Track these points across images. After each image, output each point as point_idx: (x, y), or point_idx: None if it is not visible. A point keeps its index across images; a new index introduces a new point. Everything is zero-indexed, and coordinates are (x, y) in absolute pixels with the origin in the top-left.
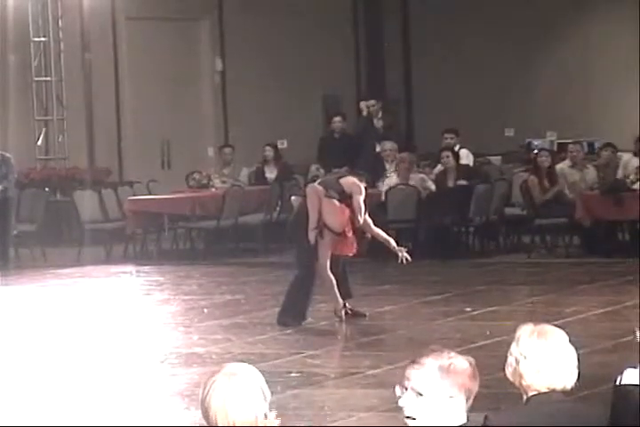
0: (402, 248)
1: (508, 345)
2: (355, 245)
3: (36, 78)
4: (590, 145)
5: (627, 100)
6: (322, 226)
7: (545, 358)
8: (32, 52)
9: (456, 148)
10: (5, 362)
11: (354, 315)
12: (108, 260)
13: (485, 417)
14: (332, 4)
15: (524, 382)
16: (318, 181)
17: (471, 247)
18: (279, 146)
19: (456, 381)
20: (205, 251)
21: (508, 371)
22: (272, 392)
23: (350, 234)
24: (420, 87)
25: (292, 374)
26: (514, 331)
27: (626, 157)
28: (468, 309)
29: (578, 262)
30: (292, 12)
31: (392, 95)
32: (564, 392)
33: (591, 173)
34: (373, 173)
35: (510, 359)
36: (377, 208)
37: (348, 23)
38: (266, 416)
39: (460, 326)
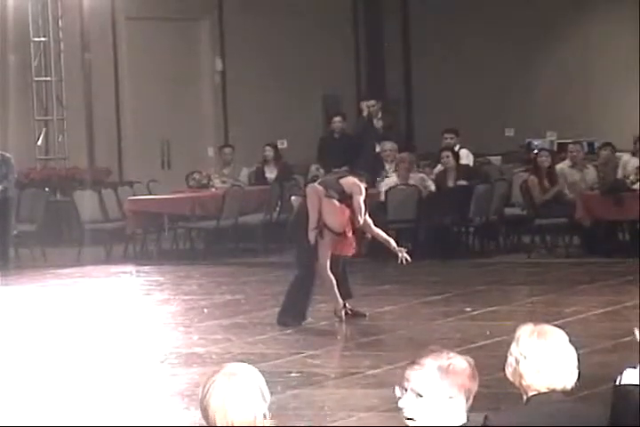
0: (402, 249)
1: (508, 345)
2: (355, 245)
3: (36, 78)
4: (590, 145)
5: (627, 100)
6: (322, 226)
7: (545, 358)
8: (32, 52)
9: (456, 148)
10: (5, 362)
11: (354, 315)
12: (108, 260)
13: (485, 417)
14: (332, 4)
15: (524, 382)
16: (318, 181)
17: (471, 247)
18: (279, 146)
19: (455, 381)
20: (205, 251)
21: (508, 371)
22: (272, 392)
23: (350, 234)
24: (420, 87)
25: (292, 374)
26: (514, 331)
27: (625, 157)
28: (468, 309)
29: (578, 262)
30: (292, 12)
31: (392, 95)
32: (564, 392)
33: (591, 173)
34: (373, 173)
35: (510, 359)
36: (377, 208)
37: (348, 23)
38: (265, 417)
39: (460, 326)
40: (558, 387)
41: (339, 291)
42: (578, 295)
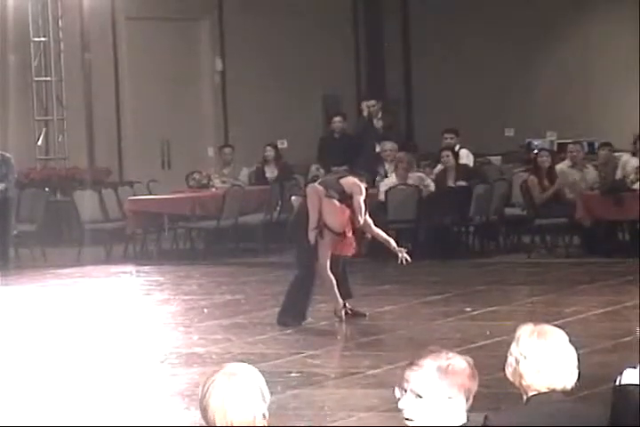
0: (402, 249)
1: (508, 345)
2: (355, 245)
3: (36, 78)
4: (590, 145)
5: (627, 100)
6: (322, 226)
7: (545, 358)
8: (32, 52)
9: (456, 148)
10: (5, 362)
11: (354, 315)
12: (108, 260)
13: (485, 417)
14: (332, 4)
15: (524, 382)
16: (318, 181)
17: (471, 247)
18: (279, 146)
19: (455, 381)
20: (205, 251)
21: (508, 371)
22: (272, 392)
23: (350, 234)
24: (420, 87)
25: (292, 374)
26: (514, 331)
27: (625, 157)
28: (468, 309)
29: (578, 262)
30: (292, 12)
31: (392, 95)
32: (564, 392)
33: (591, 172)
34: (373, 173)
35: (510, 359)
36: (377, 208)
37: (348, 23)
38: (264, 417)
39: (459, 326)
40: (558, 387)
41: (339, 291)
42: (578, 295)
